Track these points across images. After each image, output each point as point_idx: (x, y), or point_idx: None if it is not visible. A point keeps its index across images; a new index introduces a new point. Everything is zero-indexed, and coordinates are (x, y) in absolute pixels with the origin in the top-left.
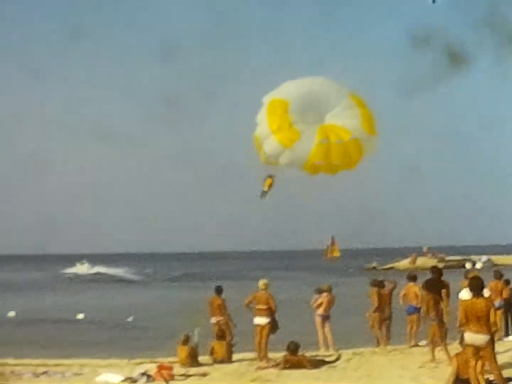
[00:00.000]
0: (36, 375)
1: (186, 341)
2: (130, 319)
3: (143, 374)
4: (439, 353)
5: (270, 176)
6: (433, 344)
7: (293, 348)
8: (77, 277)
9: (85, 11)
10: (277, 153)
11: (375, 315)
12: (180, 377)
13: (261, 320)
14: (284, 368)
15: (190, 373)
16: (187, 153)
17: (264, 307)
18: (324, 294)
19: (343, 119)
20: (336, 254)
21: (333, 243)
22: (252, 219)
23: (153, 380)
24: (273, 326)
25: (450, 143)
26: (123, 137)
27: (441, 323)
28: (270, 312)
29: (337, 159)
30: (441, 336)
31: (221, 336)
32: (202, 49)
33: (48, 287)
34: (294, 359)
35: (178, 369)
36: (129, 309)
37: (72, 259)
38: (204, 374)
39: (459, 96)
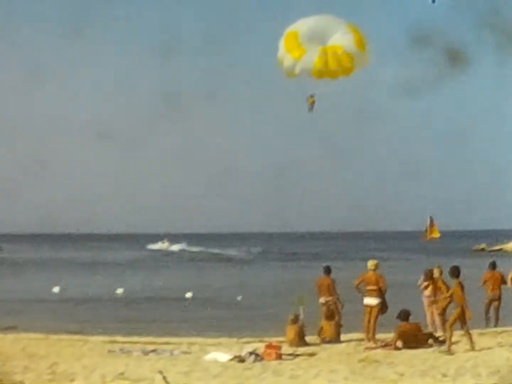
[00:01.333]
0: (145, 353)
1: (295, 320)
2: (239, 298)
3: (251, 353)
4: None
5: (311, 96)
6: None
7: (403, 316)
8: (179, 255)
9: (85, 11)
10: (292, 65)
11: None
12: (288, 357)
13: (371, 301)
14: (399, 339)
15: (298, 352)
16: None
17: (374, 287)
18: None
19: (340, 41)
20: (436, 235)
21: (431, 224)
22: (349, 201)
23: (261, 359)
24: (383, 307)
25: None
26: (123, 136)
27: None
28: (380, 292)
29: (334, 66)
30: None
31: (330, 316)
32: (202, 48)
33: (147, 266)
34: (408, 327)
35: (286, 349)
36: (237, 288)
37: (154, 238)
38: (312, 354)
39: (459, 96)
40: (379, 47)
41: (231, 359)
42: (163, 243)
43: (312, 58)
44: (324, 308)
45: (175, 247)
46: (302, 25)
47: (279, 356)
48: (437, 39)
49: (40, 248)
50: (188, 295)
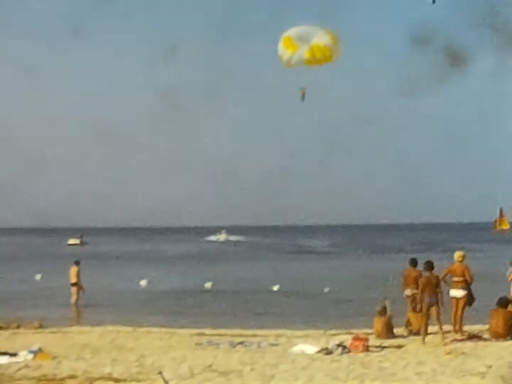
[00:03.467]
0: (233, 345)
1: (383, 312)
2: (326, 290)
3: (338, 345)
4: None
5: (302, 88)
6: None
7: (503, 302)
8: (255, 247)
9: (86, 11)
10: (289, 58)
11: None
12: (375, 349)
13: (457, 293)
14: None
15: (385, 344)
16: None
17: (461, 279)
18: None
19: (320, 40)
20: (505, 226)
21: (501, 215)
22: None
23: (349, 351)
24: (469, 298)
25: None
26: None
27: None
28: (466, 284)
29: (318, 55)
30: None
31: (417, 308)
32: (202, 49)
33: (224, 257)
34: (504, 312)
35: (373, 341)
36: (324, 280)
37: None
38: (399, 346)
39: (459, 95)
40: (380, 47)
41: (318, 351)
42: (220, 234)
43: (303, 51)
44: (409, 300)
45: (233, 238)
46: (293, 31)
47: (366, 348)
48: (437, 39)
49: (123, 242)
50: (276, 288)
